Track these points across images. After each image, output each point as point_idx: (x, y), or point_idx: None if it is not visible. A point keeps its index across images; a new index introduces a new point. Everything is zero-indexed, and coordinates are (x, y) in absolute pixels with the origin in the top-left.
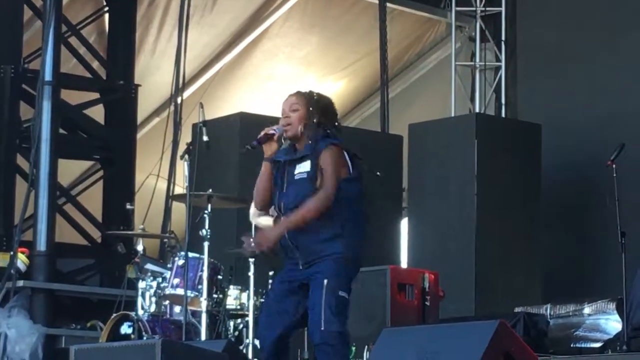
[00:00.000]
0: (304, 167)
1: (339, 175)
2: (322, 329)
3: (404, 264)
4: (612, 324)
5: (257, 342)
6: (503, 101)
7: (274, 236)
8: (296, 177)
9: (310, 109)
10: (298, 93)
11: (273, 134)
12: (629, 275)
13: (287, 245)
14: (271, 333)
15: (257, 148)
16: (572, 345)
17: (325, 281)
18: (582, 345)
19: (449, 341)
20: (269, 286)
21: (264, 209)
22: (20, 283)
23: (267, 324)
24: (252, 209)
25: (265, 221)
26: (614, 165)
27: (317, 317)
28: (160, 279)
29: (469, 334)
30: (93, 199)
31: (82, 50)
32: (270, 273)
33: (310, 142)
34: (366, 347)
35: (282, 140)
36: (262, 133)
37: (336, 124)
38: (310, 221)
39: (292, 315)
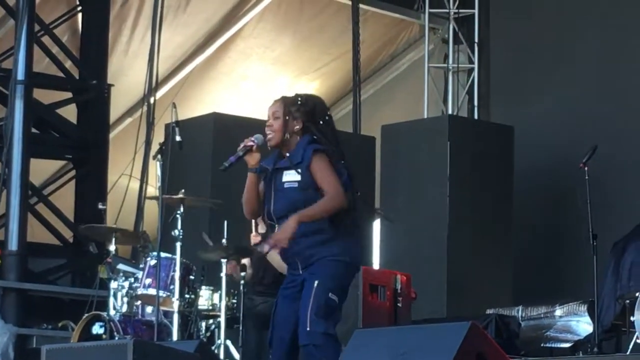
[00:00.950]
0: (292, 175)
1: (337, 177)
2: (308, 329)
3: (376, 265)
4: (583, 325)
5: (228, 346)
6: (476, 103)
7: (289, 232)
8: (285, 186)
9: (287, 117)
10: (281, 99)
11: (252, 146)
12: (600, 277)
13: (286, 255)
14: (285, 334)
15: (234, 165)
16: (542, 345)
17: (316, 282)
18: (553, 346)
19: (421, 342)
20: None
21: (254, 218)
22: None
23: (279, 325)
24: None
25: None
26: (586, 168)
27: (303, 318)
28: (132, 279)
29: (441, 335)
30: (65, 198)
31: (55, 49)
32: (242, 274)
33: (296, 149)
34: None
35: (268, 146)
36: (242, 145)
37: (327, 117)
38: (325, 213)
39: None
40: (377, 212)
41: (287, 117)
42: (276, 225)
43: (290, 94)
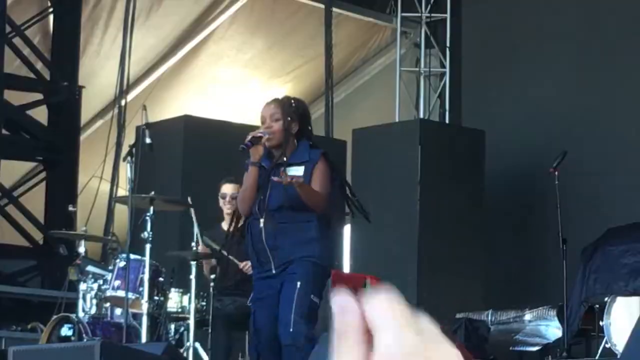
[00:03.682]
0: (295, 171)
1: (329, 185)
2: (291, 330)
3: (346, 268)
4: (553, 330)
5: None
6: (447, 107)
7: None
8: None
9: (289, 118)
10: (277, 101)
11: (261, 137)
12: (569, 281)
13: (261, 250)
14: (273, 345)
15: (248, 149)
16: (511, 349)
17: (299, 283)
18: (522, 349)
19: None
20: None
21: (248, 215)
22: None
23: (263, 339)
24: None
25: None
26: (556, 173)
27: (286, 318)
28: (101, 281)
29: None
30: (35, 200)
31: (26, 50)
32: (212, 276)
33: (299, 150)
34: None
35: (267, 146)
36: (250, 136)
37: (309, 127)
38: (312, 199)
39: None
40: (366, 216)
41: (288, 119)
42: (261, 220)
43: (264, 97)
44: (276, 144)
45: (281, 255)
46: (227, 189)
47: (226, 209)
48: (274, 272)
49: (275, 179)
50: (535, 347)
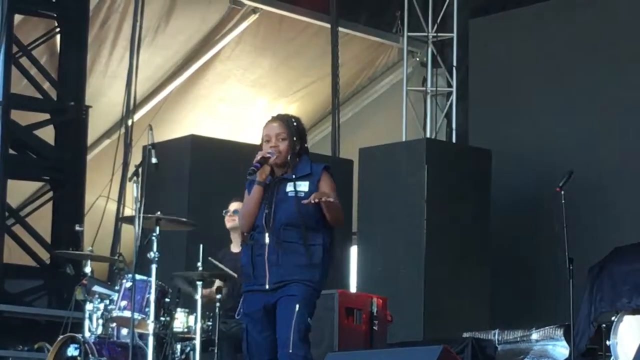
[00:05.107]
0: (302, 187)
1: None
2: (290, 351)
3: (353, 288)
4: (560, 349)
5: None
6: (454, 127)
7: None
8: (290, 195)
9: (295, 138)
10: (280, 119)
11: (269, 157)
12: (576, 301)
13: (260, 263)
14: (263, 341)
15: (257, 170)
16: None
17: (297, 306)
18: None
19: None
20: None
21: (249, 231)
22: None
23: (256, 356)
24: None
25: None
26: (562, 192)
27: (285, 340)
28: (107, 301)
29: (413, 358)
30: (42, 220)
31: (33, 70)
32: (218, 296)
33: (301, 166)
34: None
35: (271, 164)
36: (259, 156)
37: (306, 144)
38: (336, 214)
39: (272, 348)
40: None
41: (294, 139)
42: (266, 234)
43: (269, 116)
44: (282, 163)
45: (280, 273)
46: (233, 205)
47: (227, 221)
48: (267, 287)
49: (305, 202)
50: None
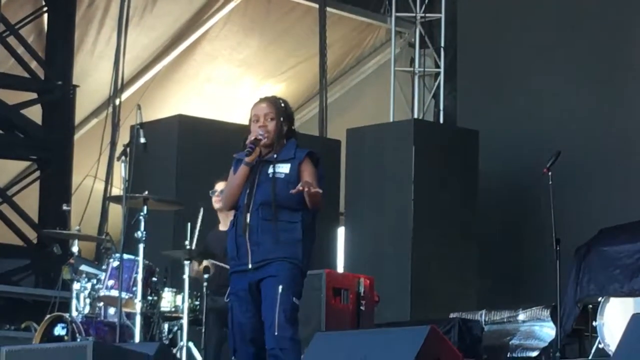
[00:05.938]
0: (282, 168)
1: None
2: (276, 334)
3: (340, 269)
4: (546, 330)
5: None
6: (441, 107)
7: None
8: (274, 176)
9: (282, 119)
10: (269, 101)
11: (260, 140)
12: (563, 282)
13: (242, 244)
14: (249, 348)
15: (253, 151)
16: (508, 356)
17: (281, 287)
18: (520, 355)
19: (380, 346)
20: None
21: (232, 210)
22: None
23: (239, 336)
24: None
25: None
26: (549, 173)
27: (270, 322)
28: (94, 281)
29: (400, 339)
30: (29, 199)
31: (20, 50)
32: (205, 276)
33: (286, 148)
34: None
35: (261, 145)
36: (253, 137)
37: (294, 127)
38: (316, 202)
39: (256, 327)
40: None
41: (281, 119)
42: (247, 214)
43: (256, 97)
44: (269, 144)
45: (261, 252)
46: (219, 186)
47: (214, 202)
48: (249, 267)
49: (293, 191)
50: (534, 352)
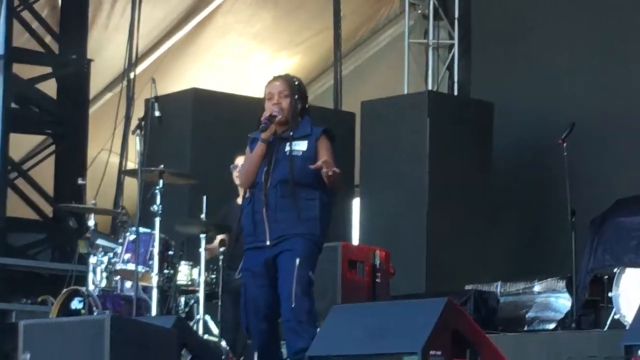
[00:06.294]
0: (300, 145)
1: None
2: (293, 305)
3: (355, 241)
4: (562, 301)
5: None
6: (456, 79)
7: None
8: (292, 154)
9: (296, 96)
10: (283, 78)
11: (275, 116)
12: (578, 253)
13: (259, 221)
14: (261, 324)
15: (267, 127)
16: (525, 329)
17: (298, 260)
18: (536, 328)
19: (398, 319)
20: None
21: (249, 187)
22: None
23: (254, 316)
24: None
25: None
26: (564, 144)
27: (287, 294)
28: (111, 254)
29: (418, 311)
30: (45, 173)
31: (34, 24)
32: (221, 249)
33: (301, 126)
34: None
35: (275, 122)
36: (268, 114)
37: (307, 106)
38: (334, 182)
39: (271, 302)
40: None
41: (295, 97)
42: (264, 191)
43: (270, 70)
44: (284, 121)
45: (279, 229)
46: (239, 160)
47: (235, 177)
48: (267, 243)
49: (312, 166)
50: (550, 324)
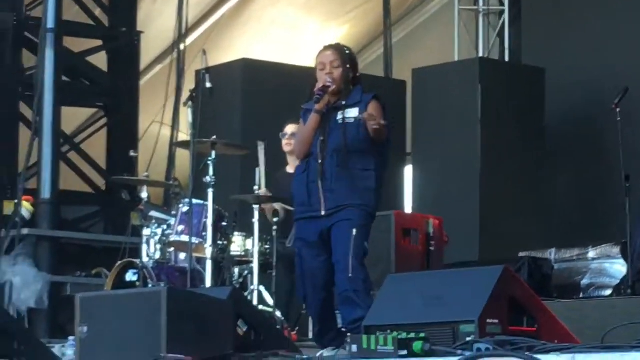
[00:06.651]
0: (352, 113)
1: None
2: (350, 275)
3: (408, 209)
4: (617, 267)
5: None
6: (507, 45)
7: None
8: (344, 122)
9: (348, 66)
10: (334, 48)
11: (329, 87)
12: (633, 218)
13: (314, 190)
14: (319, 294)
15: (321, 98)
16: (580, 296)
17: (355, 231)
18: (591, 295)
19: (454, 287)
20: (289, 242)
21: (305, 158)
22: (25, 231)
23: (311, 286)
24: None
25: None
26: (618, 109)
27: (343, 265)
28: (164, 226)
29: (474, 279)
30: (97, 146)
31: None
32: (275, 219)
33: (353, 94)
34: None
35: (329, 92)
36: (321, 85)
37: (358, 74)
38: (378, 135)
39: (328, 272)
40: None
41: (347, 66)
42: (320, 160)
43: (320, 39)
44: (337, 91)
45: (335, 199)
46: (289, 128)
47: (284, 145)
48: (323, 213)
49: (356, 117)
50: (607, 291)
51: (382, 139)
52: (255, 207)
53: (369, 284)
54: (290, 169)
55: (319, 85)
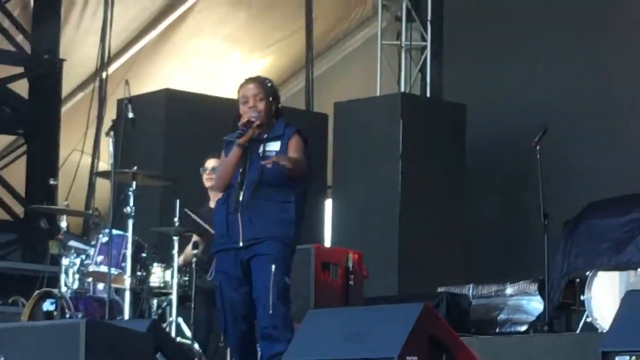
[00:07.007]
0: (273, 146)
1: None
2: (270, 312)
3: (328, 243)
4: (534, 304)
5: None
6: (428, 81)
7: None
8: (265, 155)
9: (271, 98)
10: (256, 81)
11: (253, 122)
12: (550, 256)
13: (233, 222)
14: (240, 326)
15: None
16: (497, 331)
17: (273, 266)
18: (508, 330)
19: (374, 324)
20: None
21: (225, 191)
22: None
23: (231, 318)
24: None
25: None
26: (537, 147)
27: (264, 301)
28: (83, 256)
29: (394, 316)
30: (16, 173)
31: (6, 23)
32: (194, 251)
33: (276, 127)
34: None
35: (253, 126)
36: (245, 119)
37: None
38: (295, 172)
39: (248, 305)
40: None
41: (270, 99)
42: (240, 192)
43: (243, 71)
44: (261, 124)
45: (253, 230)
46: (210, 163)
47: (205, 180)
48: (241, 244)
49: (263, 162)
50: (522, 326)
51: (299, 175)
52: (175, 238)
53: (290, 319)
54: (212, 204)
55: (244, 119)
